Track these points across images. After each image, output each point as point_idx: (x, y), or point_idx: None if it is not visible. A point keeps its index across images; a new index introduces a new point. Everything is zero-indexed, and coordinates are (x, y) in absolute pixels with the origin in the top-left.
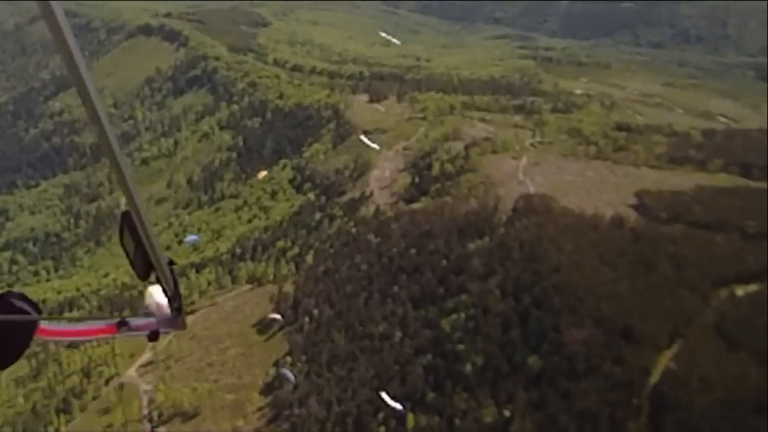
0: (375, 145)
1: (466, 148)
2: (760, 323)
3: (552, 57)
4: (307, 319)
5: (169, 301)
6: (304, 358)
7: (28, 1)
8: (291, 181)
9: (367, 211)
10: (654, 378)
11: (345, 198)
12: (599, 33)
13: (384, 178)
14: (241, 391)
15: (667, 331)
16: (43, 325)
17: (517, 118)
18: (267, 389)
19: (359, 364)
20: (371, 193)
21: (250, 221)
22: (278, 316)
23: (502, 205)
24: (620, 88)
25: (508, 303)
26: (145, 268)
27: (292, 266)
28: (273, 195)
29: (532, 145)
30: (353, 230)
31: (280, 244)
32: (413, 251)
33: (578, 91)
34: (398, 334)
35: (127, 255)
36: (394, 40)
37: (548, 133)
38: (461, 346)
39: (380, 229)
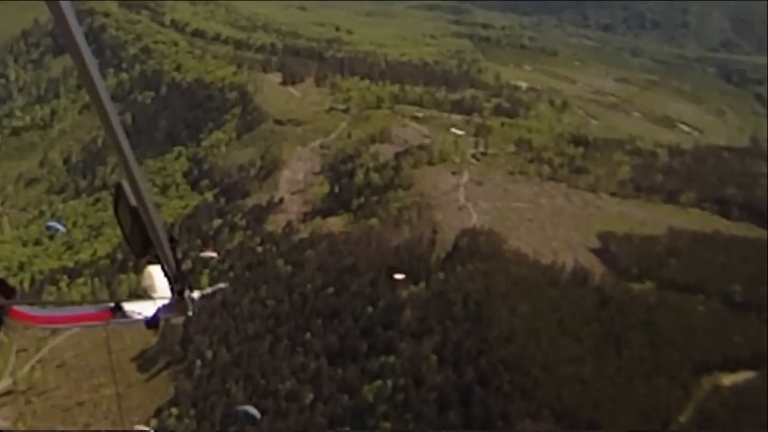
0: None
1: (397, 156)
2: (751, 424)
3: (491, 37)
4: (198, 361)
5: (170, 282)
6: (192, 411)
7: (38, 0)
8: (186, 175)
9: (276, 224)
10: None
11: (249, 202)
12: (543, 9)
13: (296, 180)
14: None
15: None
16: (24, 309)
17: (456, 118)
18: None
19: (260, 430)
20: (281, 200)
21: None
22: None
23: (440, 237)
24: (570, 82)
25: (446, 375)
26: (142, 245)
27: None
28: (164, 189)
29: (474, 156)
30: (259, 249)
31: None
32: (331, 290)
33: (523, 85)
34: (309, 396)
35: (123, 230)
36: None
37: (493, 142)
38: (386, 424)
39: (292, 255)
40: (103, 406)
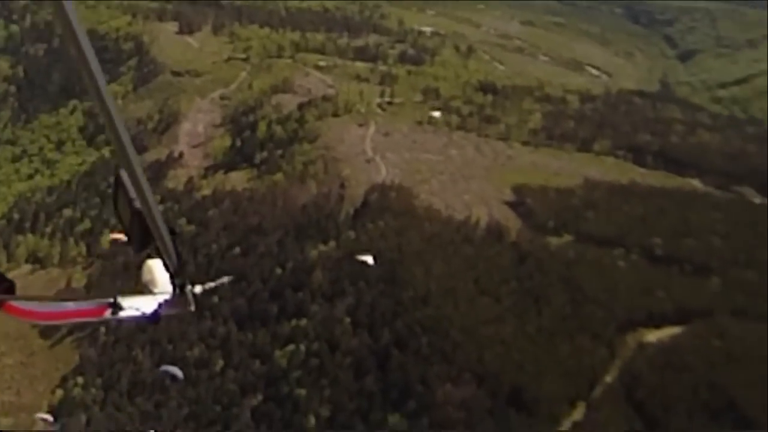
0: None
1: (301, 107)
2: (678, 384)
3: None
4: (103, 327)
5: (171, 276)
6: (99, 380)
7: (39, 1)
8: (81, 130)
9: (177, 180)
10: None
11: (148, 157)
12: None
13: (196, 134)
14: (21, 413)
15: (567, 395)
16: (20, 304)
17: (360, 67)
18: (52, 414)
19: (169, 398)
20: (181, 154)
21: (30, 177)
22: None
23: (349, 193)
24: (474, 26)
25: (362, 338)
26: (142, 238)
27: (83, 247)
28: (59, 145)
29: (380, 106)
30: (160, 207)
31: (68, 213)
32: (238, 251)
33: (427, 30)
34: (219, 362)
35: (122, 223)
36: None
37: (399, 92)
38: (301, 391)
39: (195, 214)
40: (6, 376)
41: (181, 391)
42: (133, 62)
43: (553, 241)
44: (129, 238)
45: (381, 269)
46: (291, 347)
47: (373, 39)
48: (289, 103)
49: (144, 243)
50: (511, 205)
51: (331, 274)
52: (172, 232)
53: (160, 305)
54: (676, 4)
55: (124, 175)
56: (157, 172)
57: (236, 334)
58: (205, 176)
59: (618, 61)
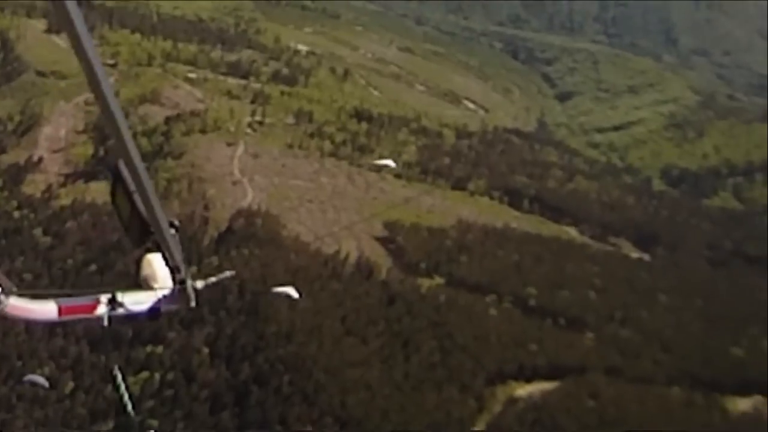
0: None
1: (168, 120)
2: None
3: None
4: None
5: (172, 271)
6: None
7: (42, 0)
8: None
9: (35, 186)
10: None
11: (6, 160)
12: None
13: (57, 138)
14: None
15: None
16: (12, 301)
17: (232, 83)
18: None
19: (16, 418)
20: (40, 159)
21: None
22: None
23: (213, 215)
24: (351, 48)
25: (220, 371)
26: (142, 231)
27: None
28: None
29: (250, 126)
30: (16, 214)
31: None
32: (94, 268)
33: (303, 49)
34: (70, 384)
35: (121, 217)
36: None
37: (270, 112)
38: (154, 421)
39: (52, 225)
40: None
41: (28, 412)
42: None
43: (425, 283)
44: (128, 232)
45: (243, 300)
46: (145, 374)
47: (246, 54)
48: (156, 115)
49: (144, 236)
50: (382, 241)
51: None
52: (172, 225)
53: (160, 301)
54: (558, 43)
55: (123, 167)
56: (15, 176)
57: (88, 356)
58: (64, 184)
59: (495, 96)
